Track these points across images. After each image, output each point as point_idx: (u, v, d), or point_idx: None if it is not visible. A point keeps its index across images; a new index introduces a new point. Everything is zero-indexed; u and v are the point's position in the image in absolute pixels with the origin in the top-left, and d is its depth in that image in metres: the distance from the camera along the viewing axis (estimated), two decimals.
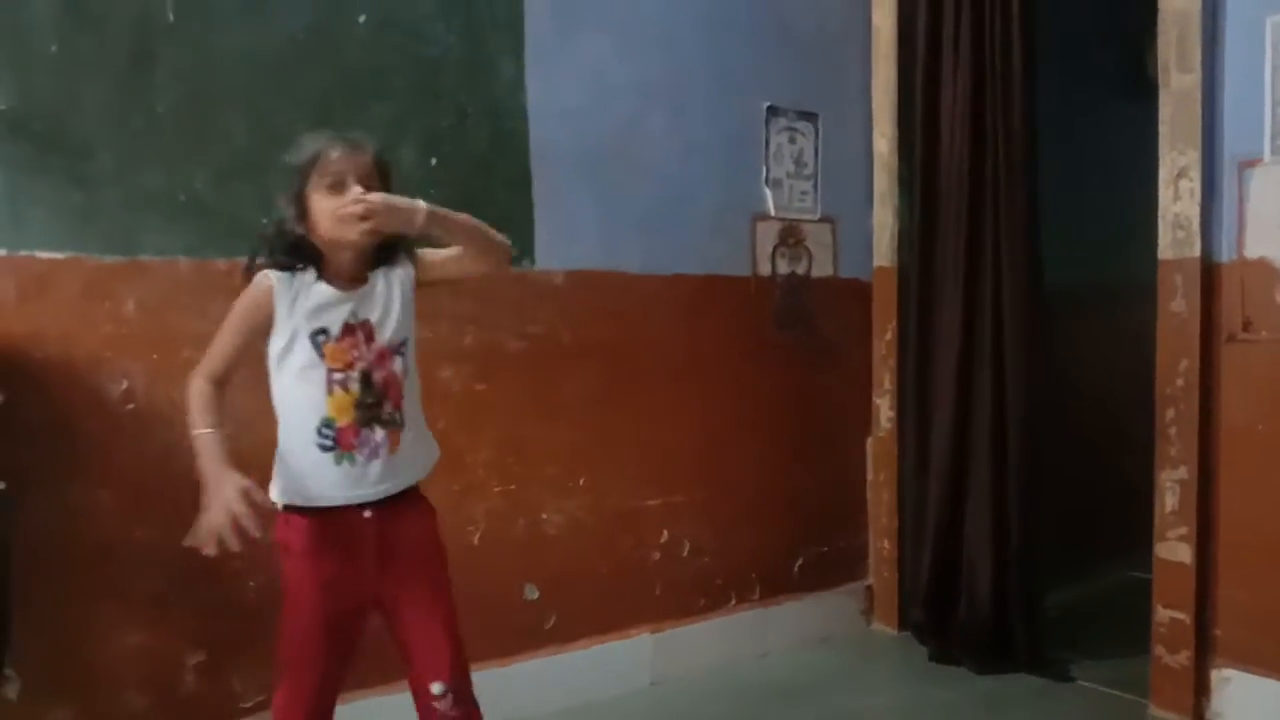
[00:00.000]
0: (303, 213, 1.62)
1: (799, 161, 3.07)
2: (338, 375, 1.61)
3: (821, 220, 3.15)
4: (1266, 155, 2.33)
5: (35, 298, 1.99)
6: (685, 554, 2.89)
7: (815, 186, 3.12)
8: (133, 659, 2.09)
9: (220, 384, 1.65)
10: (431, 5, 2.43)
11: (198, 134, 2.16)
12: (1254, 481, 2.39)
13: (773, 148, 3.02)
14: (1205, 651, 2.47)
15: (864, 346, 3.26)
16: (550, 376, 2.62)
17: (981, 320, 2.94)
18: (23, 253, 1.98)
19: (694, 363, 2.89)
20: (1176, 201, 2.45)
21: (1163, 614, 2.52)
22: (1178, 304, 2.45)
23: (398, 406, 1.67)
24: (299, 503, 1.65)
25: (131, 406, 2.09)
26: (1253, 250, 2.37)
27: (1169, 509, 2.50)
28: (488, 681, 2.38)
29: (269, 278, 1.63)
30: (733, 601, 2.99)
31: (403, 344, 1.69)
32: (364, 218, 1.57)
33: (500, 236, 1.74)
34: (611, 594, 2.74)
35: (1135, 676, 2.61)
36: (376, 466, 1.64)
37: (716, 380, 2.94)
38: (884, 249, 3.22)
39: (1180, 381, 2.46)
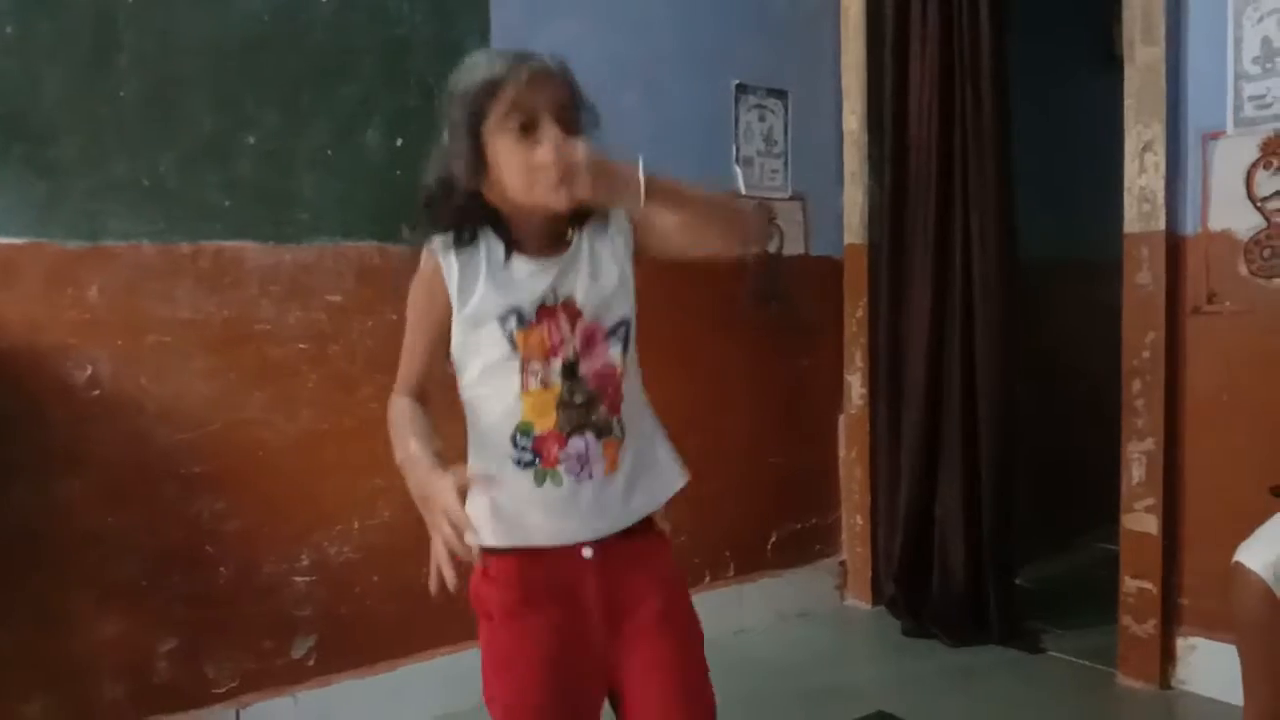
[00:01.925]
0: (479, 162, 1.20)
1: (769, 140, 3.07)
2: (534, 367, 1.22)
3: (792, 198, 3.15)
4: (1229, 128, 2.35)
5: None
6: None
7: (785, 164, 3.12)
8: (105, 647, 2.08)
9: (420, 396, 1.27)
10: None
11: (162, 118, 2.13)
12: (1219, 452, 2.43)
13: (742, 126, 3.01)
14: (1171, 620, 2.51)
15: (836, 324, 3.27)
16: None
17: (953, 296, 2.96)
18: None
19: (666, 342, 2.88)
20: (1142, 175, 2.47)
21: (1130, 584, 2.56)
22: (1143, 277, 2.48)
23: (615, 410, 1.26)
24: (493, 540, 1.22)
25: (97, 392, 2.07)
26: (1216, 223, 2.40)
27: (1136, 480, 2.53)
28: (454, 665, 2.40)
29: (434, 248, 1.25)
30: (707, 579, 3.01)
31: (620, 325, 1.27)
32: (563, 181, 1.15)
33: (748, 208, 1.35)
34: None
35: (1104, 646, 2.65)
36: (589, 491, 1.23)
37: (689, 359, 2.94)
38: (855, 226, 3.23)
39: (1147, 354, 2.49)
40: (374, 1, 2.38)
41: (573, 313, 1.24)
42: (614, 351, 1.26)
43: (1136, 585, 2.54)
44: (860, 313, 3.23)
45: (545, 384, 1.22)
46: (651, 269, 2.91)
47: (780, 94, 3.09)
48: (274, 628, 2.28)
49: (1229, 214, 2.37)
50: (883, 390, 3.16)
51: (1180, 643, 2.50)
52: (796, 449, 3.21)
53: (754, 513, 3.11)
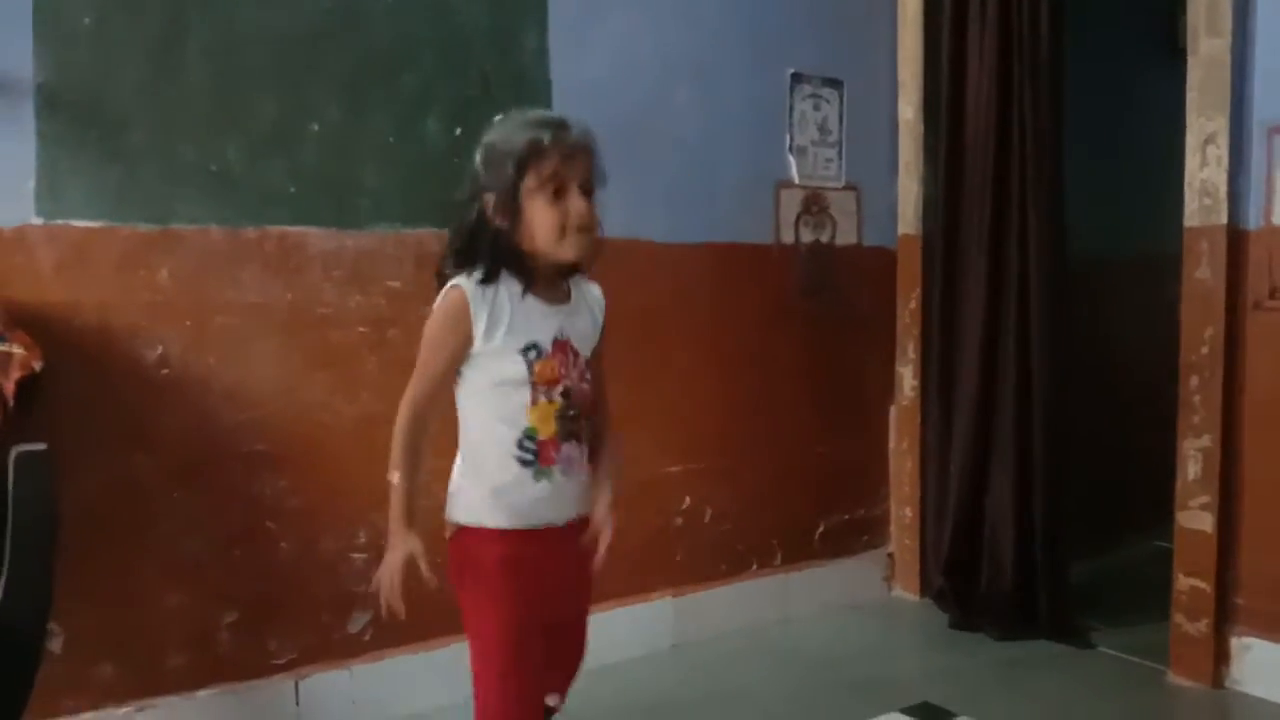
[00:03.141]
0: (515, 214, 1.47)
1: (823, 129, 3.07)
2: (543, 389, 1.52)
3: (846, 188, 3.14)
4: None
5: (73, 266, 2.04)
6: (707, 520, 2.92)
7: (840, 154, 3.11)
8: (170, 617, 2.16)
9: (428, 413, 1.55)
10: None
11: (229, 106, 2.19)
12: (1278, 450, 2.39)
13: (796, 115, 3.01)
14: (1225, 620, 2.48)
15: (888, 315, 3.26)
16: None
17: (1007, 288, 2.94)
18: (59, 222, 2.03)
19: (718, 331, 2.92)
20: (1204, 168, 2.43)
21: (1183, 582, 2.53)
22: (1203, 271, 2.44)
23: (589, 422, 1.60)
24: (495, 523, 1.53)
25: (166, 372, 2.14)
26: None
27: (1191, 477, 2.50)
28: None
29: (462, 289, 1.49)
30: (754, 567, 3.03)
31: (593, 359, 1.62)
32: (582, 240, 1.50)
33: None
34: (633, 559, 2.77)
35: (1156, 644, 2.63)
36: (573, 485, 1.56)
37: (740, 348, 2.96)
38: (909, 217, 3.21)
39: (1205, 349, 2.45)
40: None
41: (571, 348, 1.56)
42: (590, 379, 1.60)
43: (1190, 583, 2.51)
44: (913, 304, 3.21)
45: (549, 400, 1.52)
46: (698, 255, 2.94)
47: (835, 83, 3.09)
48: (332, 603, 2.34)
49: None
50: (934, 382, 3.15)
51: (1234, 642, 2.47)
52: (846, 439, 3.21)
53: (802, 502, 3.12)
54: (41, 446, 1.63)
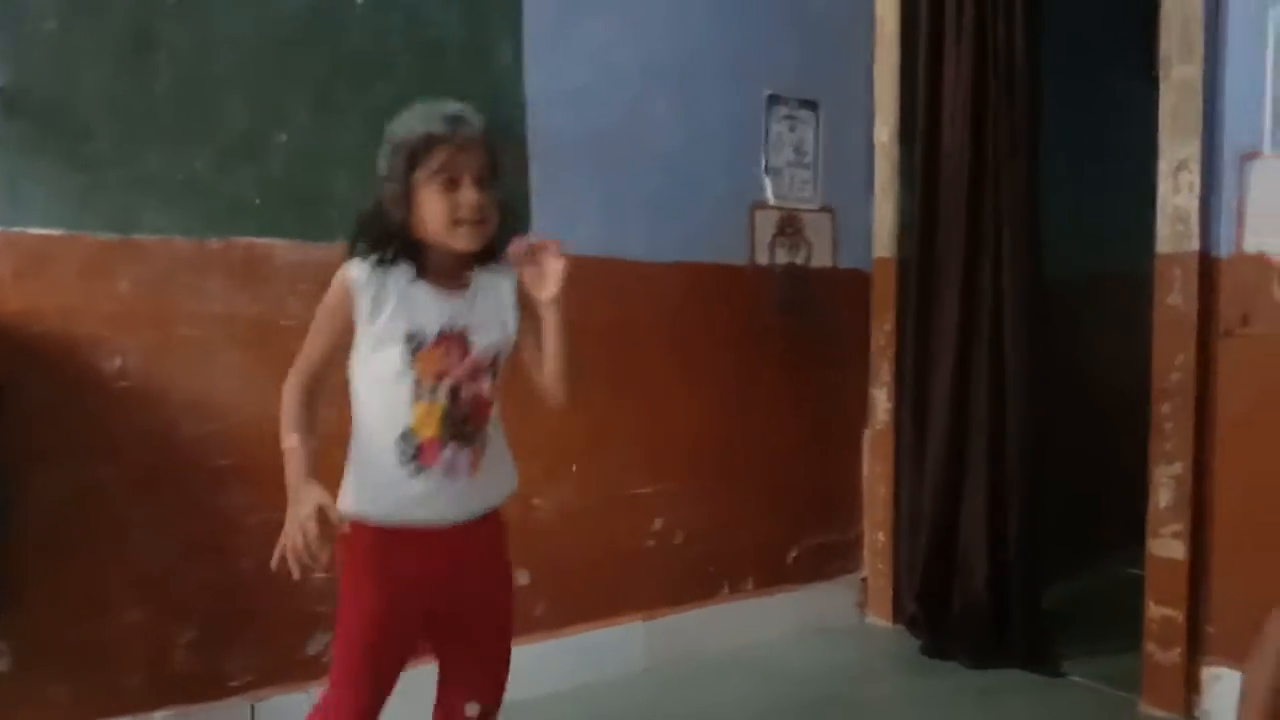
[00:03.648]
0: (407, 201, 1.45)
1: (799, 150, 3.07)
2: (427, 384, 1.47)
3: (821, 210, 3.14)
4: (1267, 148, 2.32)
5: (33, 275, 2.00)
6: (679, 542, 2.89)
7: (815, 175, 3.11)
8: (126, 635, 2.11)
9: (313, 388, 1.50)
10: None
11: (198, 115, 2.16)
12: (1249, 478, 2.38)
13: (773, 136, 3.01)
14: (1197, 649, 2.46)
15: (862, 338, 3.25)
16: None
17: (981, 312, 2.94)
18: (17, 229, 1.99)
19: (691, 351, 2.90)
20: (1176, 194, 2.43)
21: (1155, 610, 2.51)
22: (1174, 298, 2.44)
23: (481, 427, 1.53)
24: (372, 519, 1.49)
25: (127, 383, 2.10)
26: (1252, 244, 2.36)
27: (1163, 504, 2.49)
28: None
29: (349, 273, 1.48)
30: (726, 590, 3.00)
31: (495, 360, 1.54)
32: (473, 230, 1.45)
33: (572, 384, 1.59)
34: (603, 581, 2.74)
35: (1128, 673, 2.61)
36: (455, 487, 1.50)
37: (714, 369, 2.94)
38: (884, 239, 3.21)
39: (1176, 376, 2.45)
40: (409, 3, 2.40)
41: (463, 343, 1.50)
42: (487, 382, 1.53)
43: (1161, 612, 2.50)
44: (888, 326, 3.21)
45: (434, 400, 1.47)
46: (673, 274, 2.92)
47: (811, 104, 3.09)
48: (293, 623, 2.29)
49: (1265, 236, 2.33)
50: (908, 406, 3.14)
51: (1205, 672, 2.45)
52: (819, 463, 3.19)
53: (775, 526, 3.10)
54: None
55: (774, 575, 3.10)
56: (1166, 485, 2.48)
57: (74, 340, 2.05)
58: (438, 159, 1.43)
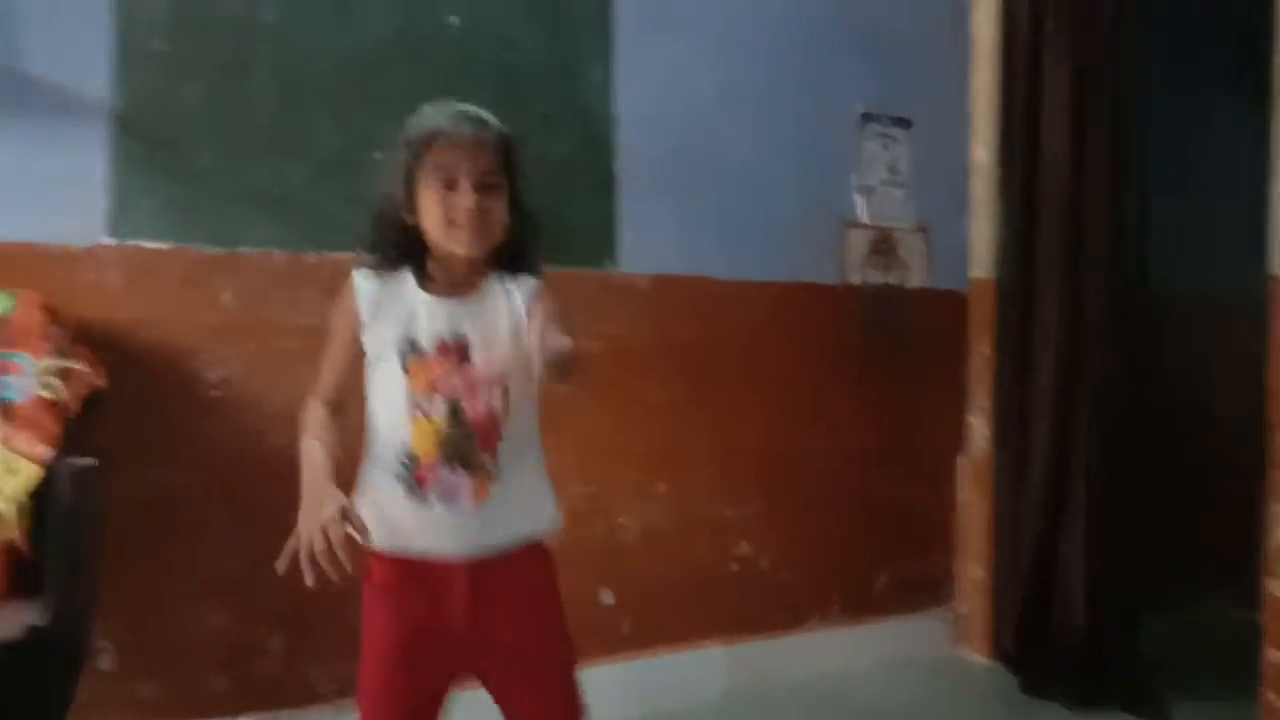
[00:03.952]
0: (410, 200, 1.38)
1: (892, 169, 3.01)
2: (420, 398, 1.36)
3: (915, 229, 3.07)
4: None
5: (139, 285, 2.10)
6: (764, 567, 2.84)
7: (909, 194, 3.05)
8: (215, 640, 2.17)
9: (335, 406, 1.42)
10: (520, 10, 2.47)
11: (294, 132, 2.24)
12: None
13: (865, 154, 2.96)
14: None
15: (958, 360, 3.16)
16: (631, 379, 2.62)
17: (1082, 336, 2.82)
18: (129, 242, 2.08)
19: (779, 371, 2.85)
20: None
21: (1273, 655, 2.35)
22: None
23: (490, 449, 1.38)
24: (376, 541, 1.34)
25: (223, 392, 2.16)
26: None
27: (1278, 542, 2.34)
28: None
29: (352, 280, 1.42)
30: (812, 619, 2.92)
31: (506, 373, 1.39)
32: (469, 236, 1.35)
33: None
34: (687, 603, 2.71)
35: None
36: (456, 516, 1.37)
37: (802, 390, 2.88)
38: (981, 259, 3.12)
39: None
40: (497, 25, 2.45)
41: (462, 353, 1.38)
42: (496, 399, 1.38)
43: None
44: (986, 349, 3.10)
45: (428, 415, 1.36)
46: (757, 293, 2.88)
47: (904, 122, 3.03)
48: None
49: None
50: (1007, 434, 3.03)
51: None
52: (912, 489, 3.10)
53: (864, 554, 3.01)
54: (91, 462, 1.64)
55: (861, 604, 3.01)
56: None
57: (175, 349, 2.13)
58: (437, 157, 1.36)
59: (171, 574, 2.13)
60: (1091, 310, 2.80)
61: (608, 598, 2.60)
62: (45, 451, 1.76)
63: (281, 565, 1.25)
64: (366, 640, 1.43)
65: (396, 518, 1.38)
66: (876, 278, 2.99)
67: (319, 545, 1.22)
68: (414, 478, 1.37)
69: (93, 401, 1.87)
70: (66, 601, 1.63)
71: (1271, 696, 2.35)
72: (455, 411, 1.37)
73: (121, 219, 2.08)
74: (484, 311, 1.41)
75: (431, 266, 1.42)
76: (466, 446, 1.37)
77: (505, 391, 1.40)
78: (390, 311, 1.39)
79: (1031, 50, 2.92)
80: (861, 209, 2.96)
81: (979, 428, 3.13)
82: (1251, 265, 2.42)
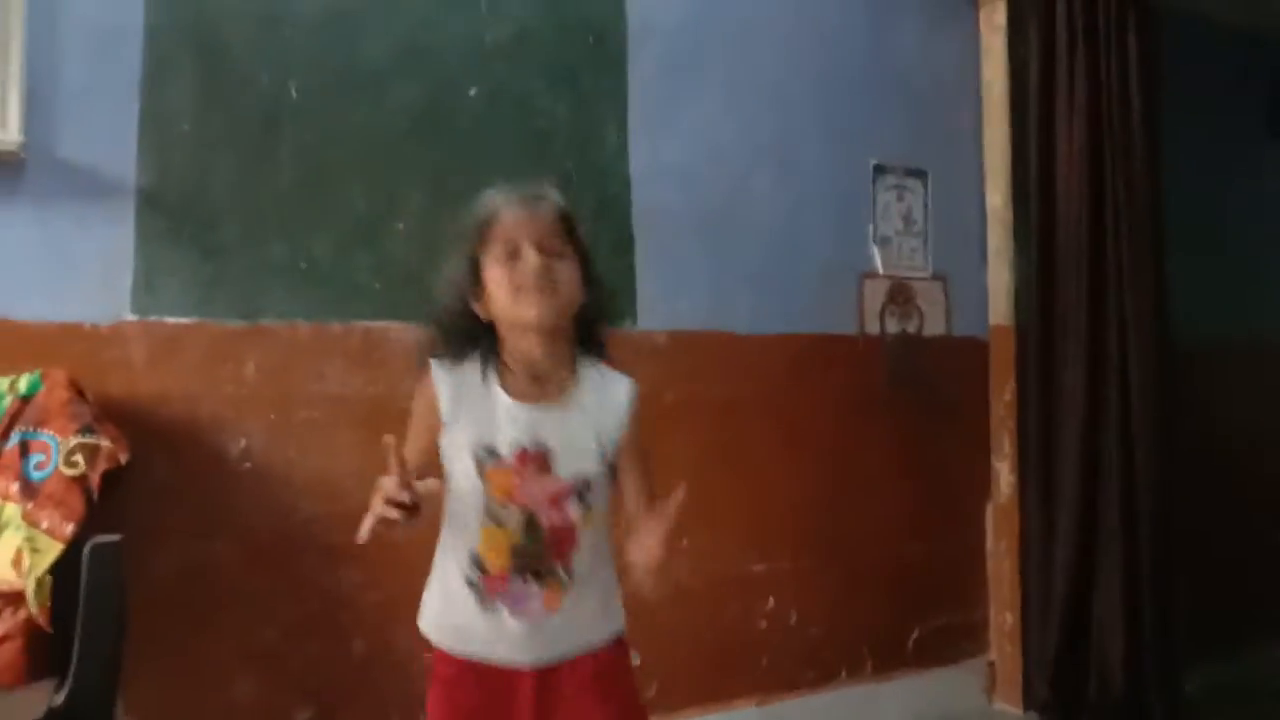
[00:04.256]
0: (477, 286, 1.35)
1: (908, 219, 3.02)
2: (495, 506, 1.31)
3: (933, 278, 3.07)
4: None
5: (163, 360, 2.10)
6: (793, 623, 2.80)
7: (925, 244, 3.05)
8: (242, 712, 2.14)
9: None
10: (540, 77, 2.50)
11: (319, 204, 2.26)
12: None
13: (880, 205, 2.98)
14: None
15: (981, 407, 3.14)
16: (652, 436, 2.58)
17: (1106, 379, 2.82)
18: (153, 318, 2.10)
19: (802, 424, 2.84)
20: None
21: None
22: None
23: (564, 560, 1.34)
24: (438, 640, 1.39)
25: (249, 464, 2.16)
26: None
27: None
28: None
29: (431, 372, 1.37)
30: (843, 675, 2.87)
31: (584, 484, 1.34)
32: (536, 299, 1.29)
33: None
34: (716, 663, 2.67)
35: None
36: (523, 627, 1.33)
37: (826, 442, 2.87)
38: (1000, 306, 3.12)
39: None
40: (519, 93, 2.48)
41: (543, 463, 1.32)
42: (574, 510, 1.33)
43: None
44: (1008, 396, 3.09)
45: (500, 523, 1.31)
46: (780, 346, 2.88)
47: (919, 173, 3.05)
48: (405, 702, 2.29)
49: None
50: (1033, 478, 3.00)
51: None
52: (940, 539, 3.06)
53: (894, 606, 2.97)
54: (115, 538, 1.64)
55: (894, 659, 2.96)
56: None
57: (199, 422, 2.13)
58: (498, 230, 1.34)
59: (199, 648, 2.11)
60: (1116, 354, 2.79)
61: (634, 658, 2.56)
62: (69, 528, 1.77)
63: (363, 534, 1.23)
64: None
65: (464, 623, 1.35)
66: (895, 327, 2.99)
67: (379, 502, 1.20)
68: (484, 583, 1.33)
69: (117, 477, 1.87)
70: (89, 680, 1.61)
71: None
72: (531, 522, 1.31)
73: (146, 296, 2.09)
74: (568, 419, 1.35)
75: (510, 361, 1.36)
76: (539, 557, 1.32)
77: (585, 501, 1.34)
78: (469, 413, 1.33)
79: (1044, 96, 2.95)
80: (878, 259, 2.97)
81: (1004, 474, 3.10)
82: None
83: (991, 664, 3.12)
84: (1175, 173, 2.87)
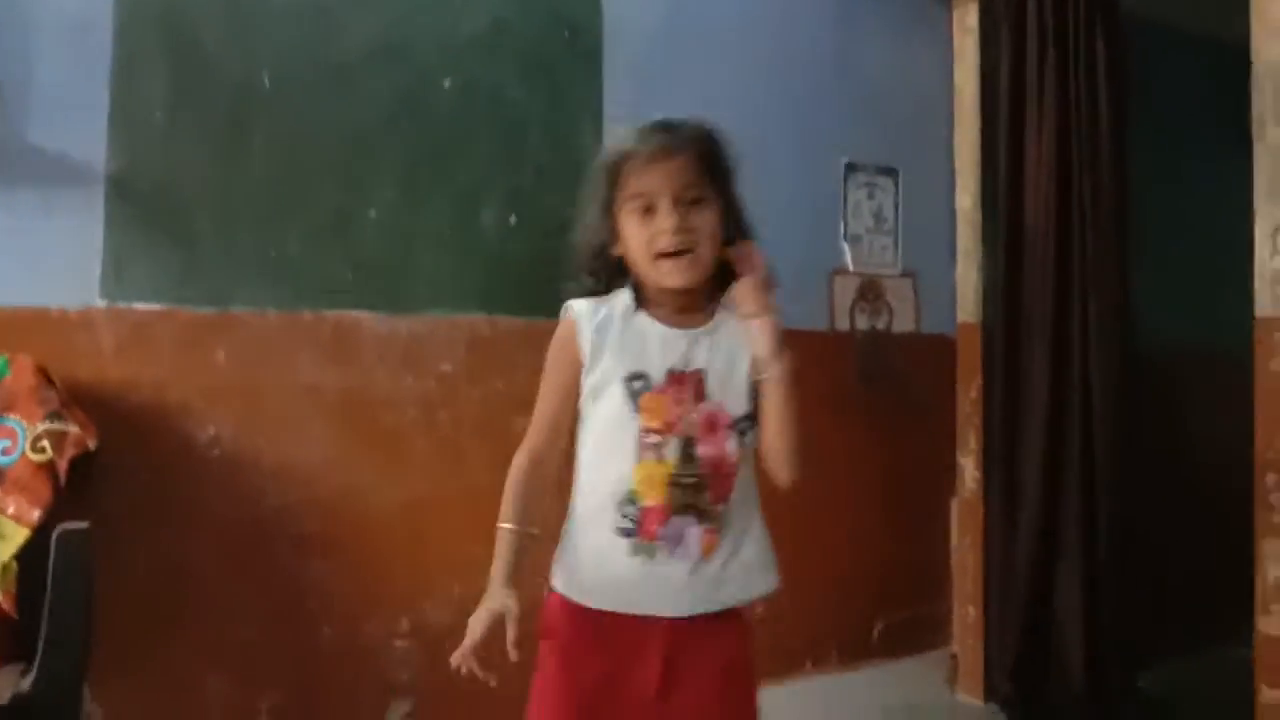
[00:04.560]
0: (611, 233, 1.29)
1: (878, 217, 3.05)
2: (652, 438, 1.23)
3: (902, 275, 3.11)
4: None
5: (132, 347, 2.10)
6: (759, 615, 2.81)
7: (895, 242, 3.09)
8: (210, 699, 2.14)
9: (544, 456, 1.32)
10: (514, 70, 2.51)
11: (291, 195, 2.26)
12: None
13: (851, 203, 3.01)
14: None
15: (948, 404, 3.18)
16: None
17: (1069, 380, 2.87)
18: (122, 304, 2.09)
19: None
20: (1274, 257, 2.34)
21: (1267, 695, 2.36)
22: (1277, 363, 2.34)
23: (723, 498, 1.27)
24: (576, 595, 1.29)
25: (217, 452, 2.16)
26: None
27: (1271, 580, 2.35)
28: None
29: (570, 310, 1.31)
30: (809, 665, 2.91)
31: (743, 419, 1.28)
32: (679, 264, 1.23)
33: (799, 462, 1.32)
34: None
35: None
36: (681, 571, 1.25)
37: None
38: (969, 305, 3.16)
39: None
40: (492, 87, 2.48)
41: (699, 388, 1.25)
42: (731, 442, 1.26)
43: (1274, 696, 2.34)
44: (974, 393, 3.13)
45: (660, 458, 1.23)
46: None
47: (890, 171, 3.08)
48: (374, 691, 2.30)
49: None
50: (996, 475, 3.05)
51: None
52: (904, 533, 3.10)
53: (859, 599, 3.01)
54: (83, 525, 1.64)
55: (859, 651, 3.00)
56: (1274, 560, 2.35)
57: (168, 409, 2.13)
58: (631, 181, 1.25)
59: (167, 634, 2.11)
60: (1079, 354, 2.84)
61: None
62: (36, 514, 1.76)
63: (456, 661, 1.25)
64: (537, 694, 1.31)
65: (606, 572, 1.26)
66: (865, 323, 3.02)
67: (463, 647, 1.23)
68: (637, 527, 1.24)
69: (85, 463, 1.87)
70: (56, 666, 1.62)
71: None
72: (688, 452, 1.24)
73: (115, 282, 2.08)
74: (719, 341, 1.29)
75: (651, 293, 1.30)
76: (701, 494, 1.24)
77: (742, 434, 1.28)
78: (615, 341, 1.27)
79: (1014, 99, 2.99)
80: (848, 256, 3.00)
81: (969, 470, 3.15)
82: (1241, 312, 2.45)
83: (954, 656, 3.17)
84: (1142, 179, 2.91)
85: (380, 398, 2.33)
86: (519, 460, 1.33)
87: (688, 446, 1.24)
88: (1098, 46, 2.86)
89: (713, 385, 1.26)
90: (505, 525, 1.29)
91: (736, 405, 1.28)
